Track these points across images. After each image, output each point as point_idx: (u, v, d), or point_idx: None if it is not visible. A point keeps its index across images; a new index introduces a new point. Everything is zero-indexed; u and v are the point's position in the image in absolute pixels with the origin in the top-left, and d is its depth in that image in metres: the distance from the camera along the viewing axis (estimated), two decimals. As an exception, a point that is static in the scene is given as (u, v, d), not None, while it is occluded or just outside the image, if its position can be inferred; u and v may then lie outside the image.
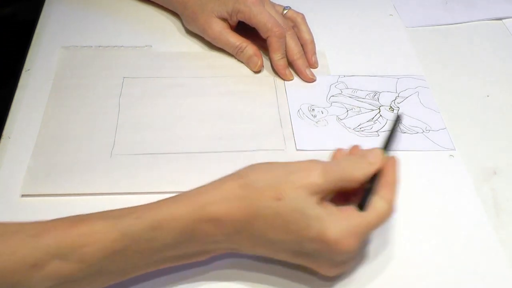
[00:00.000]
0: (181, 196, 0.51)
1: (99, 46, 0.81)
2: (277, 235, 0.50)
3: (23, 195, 0.62)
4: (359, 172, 0.53)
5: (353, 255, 0.53)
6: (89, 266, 0.48)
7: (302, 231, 0.50)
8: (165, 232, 0.49)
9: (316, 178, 0.51)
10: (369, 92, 0.77)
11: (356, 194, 0.54)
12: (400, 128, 0.62)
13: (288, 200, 0.50)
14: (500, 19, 0.92)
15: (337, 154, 0.60)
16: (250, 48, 0.79)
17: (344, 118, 0.73)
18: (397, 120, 0.61)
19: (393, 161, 0.56)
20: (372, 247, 0.60)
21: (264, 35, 0.78)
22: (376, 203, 0.52)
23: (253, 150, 0.68)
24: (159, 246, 0.50)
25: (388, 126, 0.58)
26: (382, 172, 0.54)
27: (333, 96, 0.77)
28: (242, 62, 0.80)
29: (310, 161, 0.53)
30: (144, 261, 0.50)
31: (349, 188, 0.53)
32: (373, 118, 0.74)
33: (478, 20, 0.92)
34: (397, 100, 0.76)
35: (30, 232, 0.48)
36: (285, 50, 0.78)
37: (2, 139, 0.68)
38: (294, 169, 0.52)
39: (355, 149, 0.59)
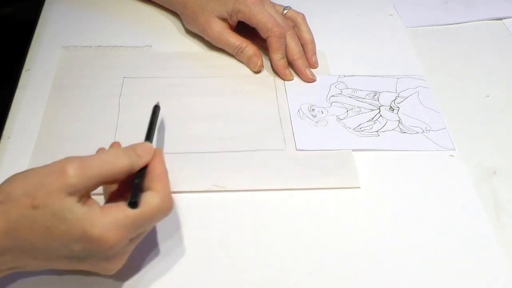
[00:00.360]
0: None
1: (99, 46, 0.81)
2: (43, 243, 0.48)
3: (23, 195, 0.62)
4: (123, 164, 0.51)
5: (124, 248, 0.51)
6: None
7: (65, 234, 0.48)
8: None
9: (71, 178, 0.48)
10: (369, 92, 0.77)
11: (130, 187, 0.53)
12: (157, 118, 0.62)
13: (44, 207, 0.48)
14: (500, 19, 0.92)
15: (100, 150, 0.57)
16: (250, 48, 0.79)
17: (344, 118, 0.73)
18: (156, 110, 0.62)
19: (159, 152, 0.55)
20: (372, 247, 0.60)
21: (264, 35, 0.78)
22: (150, 198, 0.51)
23: (253, 150, 0.68)
24: None
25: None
26: (150, 167, 0.53)
27: (333, 96, 0.77)
28: (242, 62, 0.80)
29: (65, 160, 0.50)
30: None
31: (113, 182, 0.52)
32: (373, 118, 0.74)
33: (478, 20, 0.92)
34: (397, 100, 0.76)
35: None
36: (285, 50, 0.78)
37: (2, 139, 0.68)
38: (46, 173, 0.49)
39: (115, 144, 0.57)
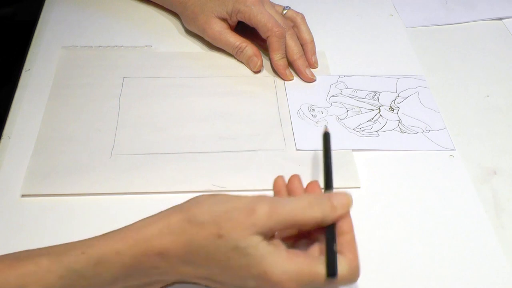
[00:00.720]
0: (125, 230, 0.50)
1: (99, 46, 0.81)
2: (219, 270, 0.49)
3: (23, 195, 0.62)
4: (314, 215, 0.49)
5: None
6: None
7: (243, 269, 0.48)
8: (110, 267, 0.48)
9: (260, 219, 0.48)
10: (369, 92, 0.77)
11: (309, 234, 0.52)
12: (330, 148, 0.59)
13: (229, 239, 0.48)
14: (500, 19, 0.92)
15: (277, 182, 0.56)
16: (250, 48, 0.79)
17: (344, 118, 0.73)
18: (327, 137, 0.58)
19: (349, 219, 0.51)
20: (372, 247, 0.60)
21: (264, 35, 0.78)
22: (339, 265, 0.48)
23: (253, 150, 0.68)
24: (105, 280, 0.49)
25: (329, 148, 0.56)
26: (340, 225, 0.50)
27: (333, 96, 0.77)
28: (242, 62, 0.80)
29: (256, 198, 0.50)
30: None
31: (300, 229, 0.51)
32: (373, 118, 0.74)
33: (478, 20, 0.92)
34: (397, 100, 0.76)
35: None
36: (285, 50, 0.78)
37: (2, 139, 0.68)
38: (237, 206, 0.49)
39: (313, 187, 0.55)
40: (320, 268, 0.48)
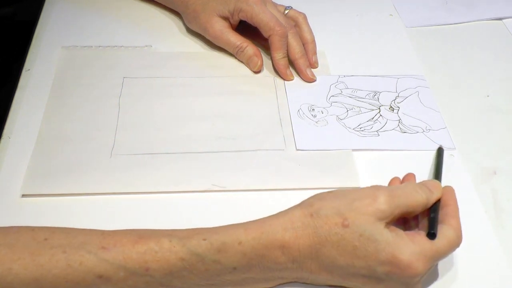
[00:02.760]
0: (249, 223, 0.52)
1: (99, 46, 0.81)
2: (346, 261, 0.51)
3: (23, 195, 0.62)
4: (421, 197, 0.54)
5: (421, 279, 0.53)
6: (154, 281, 0.49)
7: (371, 255, 0.50)
8: (231, 256, 0.50)
9: (382, 204, 0.52)
10: (369, 92, 0.77)
11: (414, 219, 0.56)
12: (442, 159, 0.66)
13: (354, 227, 0.50)
14: (500, 19, 0.92)
15: (394, 182, 0.62)
16: (250, 48, 0.79)
17: (344, 118, 0.73)
18: (441, 152, 0.66)
19: (451, 191, 0.57)
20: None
21: (266, 34, 0.78)
22: (446, 231, 0.53)
23: (253, 150, 0.68)
24: (224, 268, 0.50)
25: (432, 159, 0.64)
26: (443, 201, 0.56)
27: (333, 96, 0.77)
28: (242, 62, 0.80)
29: (374, 187, 0.54)
30: (209, 281, 0.51)
31: (411, 214, 0.55)
32: (373, 118, 0.74)
33: (478, 20, 0.92)
34: (397, 100, 0.76)
35: (97, 244, 0.49)
36: (287, 50, 0.78)
37: (2, 139, 0.68)
38: (358, 196, 0.52)
39: (410, 177, 0.62)
40: (441, 242, 0.52)
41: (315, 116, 0.73)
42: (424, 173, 0.67)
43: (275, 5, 0.81)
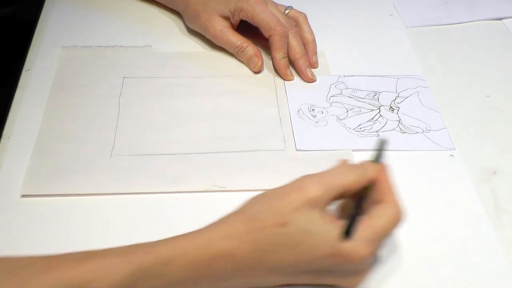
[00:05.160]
0: (191, 233, 0.52)
1: (99, 46, 0.81)
2: (291, 259, 0.50)
3: (23, 195, 0.62)
4: (353, 176, 0.53)
5: (370, 261, 0.53)
6: None
7: (313, 250, 0.50)
8: (176, 267, 0.49)
9: (312, 192, 0.51)
10: (369, 92, 0.77)
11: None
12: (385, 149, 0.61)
13: (293, 224, 0.50)
14: (500, 19, 0.92)
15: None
16: (250, 48, 0.79)
17: (344, 118, 0.73)
18: (382, 144, 0.61)
19: (384, 168, 0.56)
20: (372, 247, 0.60)
21: (266, 34, 0.78)
22: (384, 209, 0.53)
23: (253, 151, 0.68)
24: (173, 280, 0.50)
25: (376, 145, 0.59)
26: (377, 180, 0.55)
27: (333, 96, 0.77)
28: (242, 62, 0.80)
29: (301, 178, 0.53)
30: None
31: (346, 193, 0.54)
32: (373, 118, 0.74)
33: (478, 20, 0.92)
34: (397, 100, 0.76)
35: (39, 267, 0.47)
36: (287, 49, 0.78)
37: (2, 139, 0.68)
38: (288, 190, 0.52)
39: (344, 162, 0.59)
40: (380, 221, 0.52)
41: (315, 116, 0.73)
42: (424, 173, 0.67)
43: (276, 5, 0.81)
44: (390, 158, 0.69)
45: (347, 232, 0.50)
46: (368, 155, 0.68)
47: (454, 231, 0.62)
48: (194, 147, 0.68)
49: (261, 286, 0.53)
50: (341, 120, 0.73)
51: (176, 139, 0.69)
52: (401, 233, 0.61)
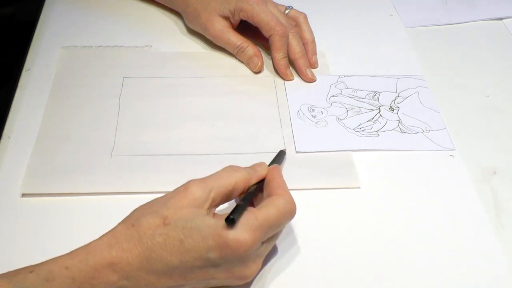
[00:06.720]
0: (78, 248, 0.51)
1: (99, 46, 0.81)
2: (178, 258, 0.50)
3: (23, 195, 0.62)
4: (239, 175, 0.55)
5: (258, 250, 0.53)
6: None
7: (199, 244, 0.50)
8: (60, 283, 0.48)
9: (195, 193, 0.52)
10: (369, 92, 0.77)
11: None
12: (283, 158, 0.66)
13: (175, 221, 0.50)
14: (500, 19, 0.92)
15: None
16: (251, 49, 0.79)
17: (344, 118, 0.73)
18: (281, 153, 0.66)
19: (277, 168, 0.59)
20: (372, 247, 0.60)
21: (266, 34, 0.78)
22: (273, 200, 0.54)
23: (253, 153, 0.68)
24: None
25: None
26: (268, 178, 0.57)
27: (333, 96, 0.77)
28: (242, 62, 0.80)
29: (185, 183, 0.53)
30: None
31: (234, 192, 0.55)
32: (373, 118, 0.74)
33: (478, 20, 0.92)
34: (397, 100, 0.76)
35: None
36: (287, 49, 0.78)
37: (2, 139, 0.68)
38: (172, 194, 0.52)
39: (231, 165, 0.60)
40: (266, 210, 0.52)
41: (315, 117, 0.73)
42: (424, 173, 0.67)
43: (276, 5, 0.81)
44: (390, 158, 0.69)
45: (231, 220, 0.50)
46: (368, 155, 0.69)
47: (454, 231, 0.62)
48: (194, 148, 0.68)
49: None
50: (341, 120, 0.73)
51: (176, 140, 0.69)
52: (401, 233, 0.61)
